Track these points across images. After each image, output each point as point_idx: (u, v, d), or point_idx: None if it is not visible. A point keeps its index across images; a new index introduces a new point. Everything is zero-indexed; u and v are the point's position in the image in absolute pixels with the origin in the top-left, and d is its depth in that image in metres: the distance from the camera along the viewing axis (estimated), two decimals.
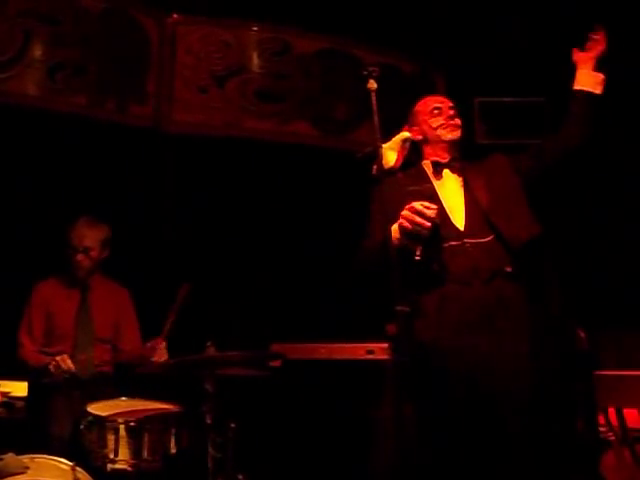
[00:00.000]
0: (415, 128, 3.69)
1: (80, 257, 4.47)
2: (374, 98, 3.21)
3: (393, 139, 3.51)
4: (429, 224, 3.29)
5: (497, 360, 3.36)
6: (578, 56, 3.65)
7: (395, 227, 3.34)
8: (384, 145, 3.36)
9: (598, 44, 3.61)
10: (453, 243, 3.47)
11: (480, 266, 3.42)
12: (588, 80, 3.58)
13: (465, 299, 3.41)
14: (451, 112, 3.64)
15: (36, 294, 4.49)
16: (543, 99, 5.28)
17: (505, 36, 5.39)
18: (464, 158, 3.67)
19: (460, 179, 3.61)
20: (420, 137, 3.67)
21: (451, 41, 5.40)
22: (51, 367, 4.18)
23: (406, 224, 3.31)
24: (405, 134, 3.54)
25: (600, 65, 3.60)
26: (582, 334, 4.80)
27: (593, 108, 3.56)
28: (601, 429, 4.52)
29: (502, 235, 3.44)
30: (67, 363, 4.17)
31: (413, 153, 3.68)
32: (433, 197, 3.43)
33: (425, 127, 3.66)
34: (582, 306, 4.90)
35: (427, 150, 3.67)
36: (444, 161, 3.63)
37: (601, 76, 3.58)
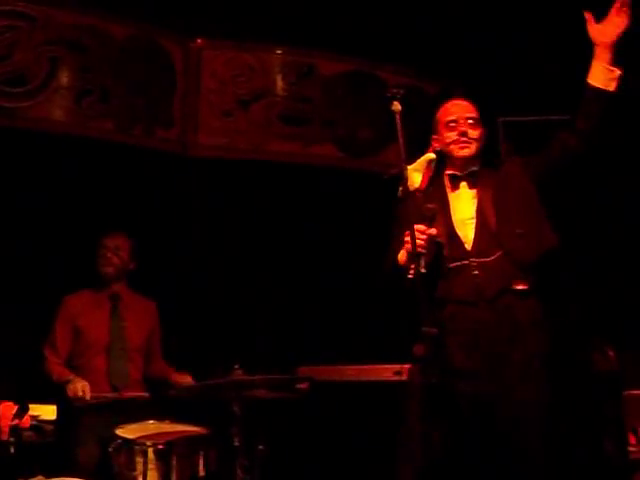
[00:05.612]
0: (435, 137, 3.66)
1: (110, 254, 4.57)
2: (399, 120, 3.21)
3: (418, 160, 3.50)
4: (419, 248, 3.22)
5: (509, 382, 3.33)
6: (596, 33, 3.40)
7: (403, 252, 3.35)
8: (409, 167, 3.36)
9: (620, 19, 3.36)
10: (459, 263, 3.46)
11: (484, 285, 3.40)
12: (602, 75, 3.39)
13: (471, 320, 3.39)
14: (465, 126, 3.56)
15: (64, 307, 4.54)
16: (568, 117, 5.26)
17: (528, 54, 5.38)
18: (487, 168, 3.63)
19: (475, 192, 3.57)
20: (439, 148, 3.64)
21: (475, 61, 5.40)
22: (70, 391, 4.19)
23: (408, 247, 3.28)
24: (430, 155, 3.53)
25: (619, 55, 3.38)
26: (611, 353, 4.76)
27: (604, 106, 3.40)
28: (632, 449, 4.48)
29: (510, 253, 3.41)
30: (85, 391, 4.17)
31: (437, 163, 3.65)
32: (434, 217, 3.38)
33: (441, 140, 3.63)
34: (612, 325, 4.86)
35: (446, 161, 3.64)
36: (460, 174, 3.60)
37: (617, 72, 3.39)
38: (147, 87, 5.06)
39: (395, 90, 3.26)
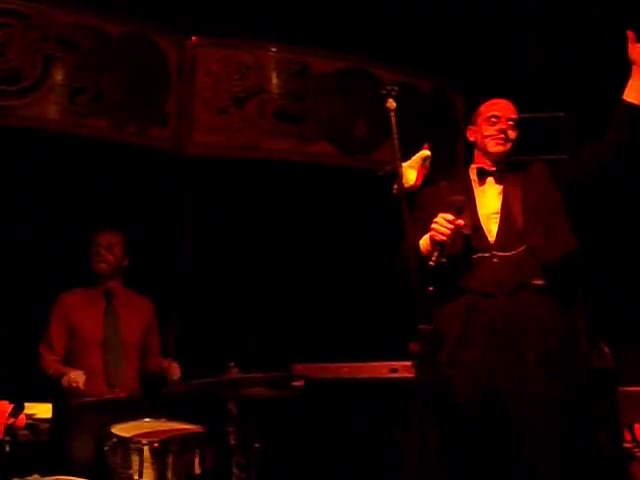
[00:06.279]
0: (472, 128, 3.73)
1: (103, 251, 4.60)
2: (393, 117, 3.22)
3: (413, 158, 3.50)
4: (444, 237, 3.30)
5: (520, 376, 3.37)
6: (635, 53, 3.46)
7: (426, 237, 3.37)
8: (404, 164, 3.37)
9: None
10: (481, 255, 3.50)
11: (505, 278, 3.44)
12: (638, 93, 3.45)
13: (489, 310, 3.43)
14: (506, 125, 3.63)
15: (59, 306, 4.57)
16: (563, 114, 5.27)
17: (523, 52, 5.39)
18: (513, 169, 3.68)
19: (501, 188, 3.63)
20: (472, 139, 3.72)
21: (469, 59, 5.41)
22: (64, 381, 4.23)
23: (433, 234, 3.34)
24: (425, 152, 3.54)
25: None
26: (607, 350, 4.77)
27: (637, 122, 3.46)
28: (627, 446, 4.49)
29: (534, 250, 3.46)
30: (79, 381, 4.20)
31: (468, 154, 3.74)
32: (462, 208, 3.42)
33: (478, 132, 3.70)
34: (607, 322, 4.87)
35: (476, 154, 3.72)
36: (489, 169, 3.66)
37: None
38: (141, 85, 5.05)
39: (389, 87, 3.26)
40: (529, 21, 5.32)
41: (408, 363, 4.34)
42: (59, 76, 4.74)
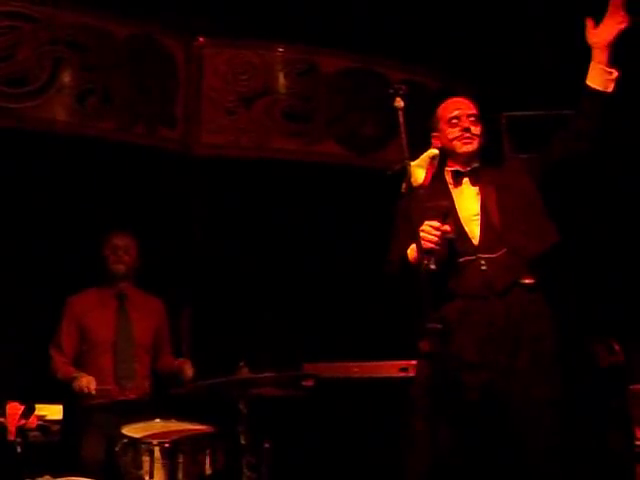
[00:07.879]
0: (436, 134, 3.66)
1: (121, 253, 4.62)
2: (401, 116, 3.21)
3: (421, 156, 3.50)
4: (432, 245, 3.26)
5: (517, 375, 3.36)
6: (593, 35, 3.45)
7: (413, 247, 3.34)
8: (412, 163, 3.37)
9: (617, 20, 3.40)
10: (467, 258, 3.47)
11: (494, 280, 3.42)
12: (600, 77, 3.42)
13: (482, 313, 3.42)
14: (468, 122, 3.59)
15: (69, 307, 4.59)
16: (572, 111, 5.26)
17: (530, 50, 5.38)
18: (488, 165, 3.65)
19: (477, 189, 3.59)
20: (440, 145, 3.64)
21: (477, 57, 5.40)
22: (75, 386, 4.25)
23: (421, 242, 3.27)
24: (433, 151, 3.54)
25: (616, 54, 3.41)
26: (617, 347, 4.77)
27: (602, 107, 3.44)
28: (639, 443, 4.48)
29: (516, 250, 3.44)
30: (90, 387, 4.21)
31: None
32: (448, 214, 3.39)
33: (443, 137, 3.63)
34: (618, 319, 4.86)
35: (448, 158, 3.65)
36: (463, 170, 3.61)
37: (614, 73, 3.42)
38: (149, 86, 5.06)
39: (397, 86, 3.26)
40: (536, 19, 5.31)
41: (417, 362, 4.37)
42: (67, 78, 4.76)
